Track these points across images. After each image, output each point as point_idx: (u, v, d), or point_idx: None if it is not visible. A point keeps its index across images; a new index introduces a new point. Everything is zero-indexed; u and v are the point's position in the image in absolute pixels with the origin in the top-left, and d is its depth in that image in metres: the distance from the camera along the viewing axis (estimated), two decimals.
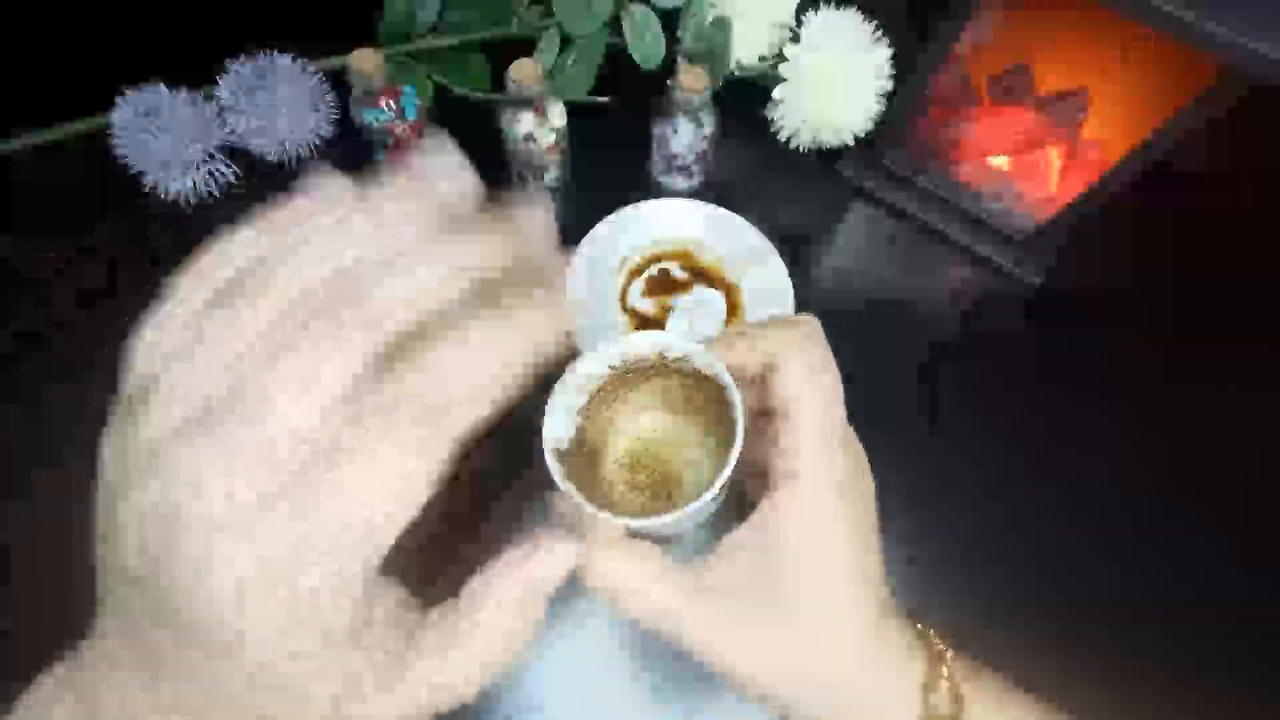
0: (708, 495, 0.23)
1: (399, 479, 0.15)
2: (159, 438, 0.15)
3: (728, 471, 0.23)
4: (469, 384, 0.16)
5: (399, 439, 0.15)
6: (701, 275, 0.50)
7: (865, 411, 0.25)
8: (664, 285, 0.50)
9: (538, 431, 0.24)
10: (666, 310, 0.49)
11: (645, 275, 0.50)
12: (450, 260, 0.16)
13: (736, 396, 0.24)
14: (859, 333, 0.52)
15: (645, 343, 0.26)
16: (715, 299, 0.50)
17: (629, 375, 0.27)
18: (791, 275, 0.49)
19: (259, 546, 0.15)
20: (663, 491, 0.28)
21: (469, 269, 0.16)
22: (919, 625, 0.25)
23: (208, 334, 0.16)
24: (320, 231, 0.16)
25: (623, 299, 0.49)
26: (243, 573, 0.15)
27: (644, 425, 0.29)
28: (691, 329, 0.48)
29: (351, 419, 0.15)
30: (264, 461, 0.15)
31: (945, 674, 0.23)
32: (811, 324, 0.25)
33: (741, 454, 0.23)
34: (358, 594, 0.16)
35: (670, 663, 0.39)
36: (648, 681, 0.39)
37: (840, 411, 0.24)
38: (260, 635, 0.15)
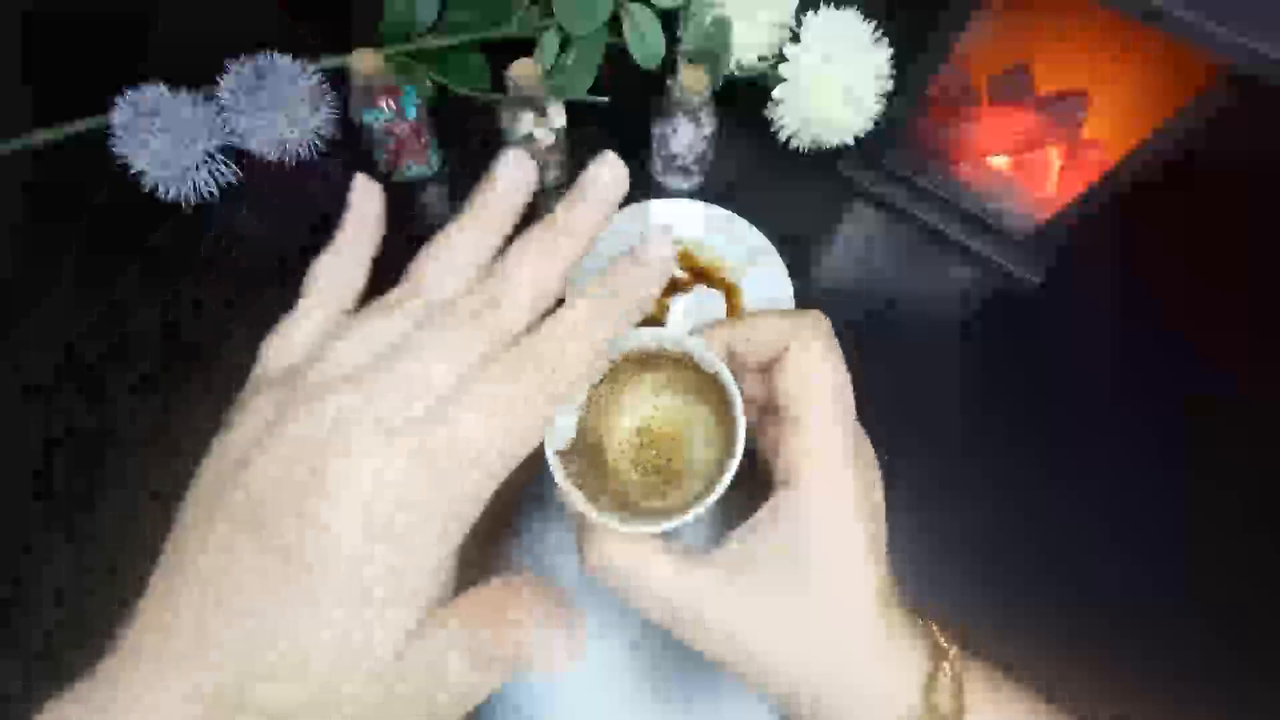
0: (715, 494, 0.23)
1: (512, 416, 0.19)
2: (321, 382, 0.18)
3: (733, 468, 0.23)
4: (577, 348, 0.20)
5: (516, 384, 0.19)
6: (701, 275, 0.50)
7: (864, 411, 0.25)
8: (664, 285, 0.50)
9: None
10: (666, 310, 0.49)
11: None
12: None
13: (736, 396, 0.24)
14: (858, 333, 0.52)
15: (645, 336, 0.26)
16: (715, 299, 0.50)
17: (628, 364, 0.27)
18: (791, 275, 0.49)
19: (390, 469, 0.17)
20: (668, 472, 0.28)
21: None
22: (923, 621, 0.25)
23: (355, 328, 0.20)
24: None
25: None
26: (369, 490, 0.17)
27: (648, 409, 0.29)
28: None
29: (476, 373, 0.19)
30: (400, 401, 0.18)
31: (948, 670, 0.23)
32: (818, 316, 0.25)
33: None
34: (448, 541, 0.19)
35: (673, 676, 0.39)
36: (650, 692, 0.39)
37: (852, 404, 0.24)
38: (359, 548, 0.17)
